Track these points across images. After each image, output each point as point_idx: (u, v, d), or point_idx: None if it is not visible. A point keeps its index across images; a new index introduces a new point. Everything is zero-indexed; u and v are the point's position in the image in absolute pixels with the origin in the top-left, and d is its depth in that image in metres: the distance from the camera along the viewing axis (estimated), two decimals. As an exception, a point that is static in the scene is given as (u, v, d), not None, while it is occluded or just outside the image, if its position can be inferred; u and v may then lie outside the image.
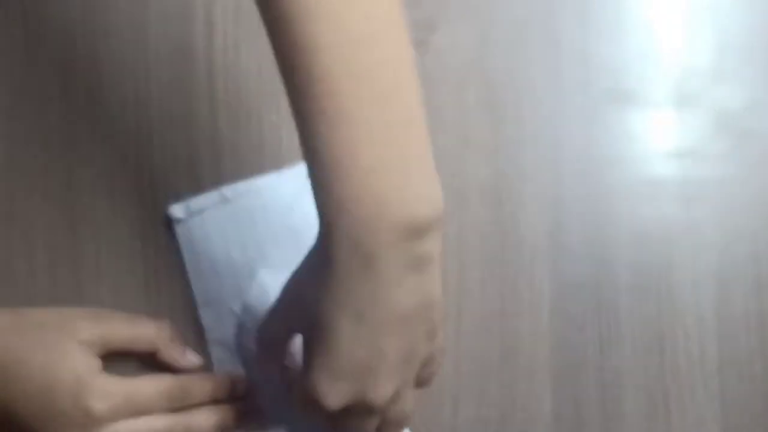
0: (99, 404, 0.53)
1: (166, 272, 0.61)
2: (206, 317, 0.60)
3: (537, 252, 0.62)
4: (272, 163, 0.61)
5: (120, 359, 0.57)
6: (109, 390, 0.54)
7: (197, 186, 0.61)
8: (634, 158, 0.64)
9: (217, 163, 0.61)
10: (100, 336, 0.56)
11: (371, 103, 0.43)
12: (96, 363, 0.55)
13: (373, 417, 0.50)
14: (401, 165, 0.44)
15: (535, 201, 0.63)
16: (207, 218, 0.61)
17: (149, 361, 0.58)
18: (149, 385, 0.56)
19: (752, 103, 0.64)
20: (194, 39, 0.62)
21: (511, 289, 0.62)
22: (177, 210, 0.60)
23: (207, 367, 0.60)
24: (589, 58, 0.64)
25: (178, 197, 0.61)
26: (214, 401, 0.58)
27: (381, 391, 0.48)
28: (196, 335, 0.60)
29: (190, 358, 0.59)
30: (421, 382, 0.52)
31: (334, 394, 0.48)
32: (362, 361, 0.46)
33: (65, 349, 0.54)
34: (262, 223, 0.61)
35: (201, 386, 0.58)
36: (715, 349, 0.62)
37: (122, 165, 0.61)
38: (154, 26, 0.62)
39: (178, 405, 0.57)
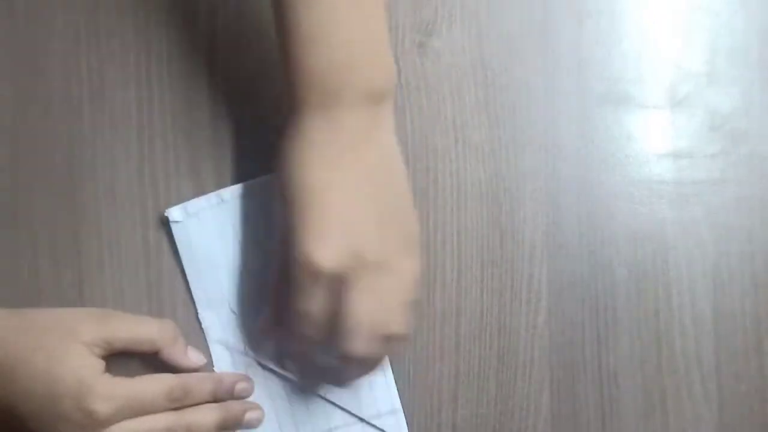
0: (102, 406, 0.53)
1: (167, 273, 0.61)
2: (206, 318, 0.60)
3: (535, 252, 0.63)
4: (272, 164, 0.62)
5: (122, 358, 0.57)
6: (111, 392, 0.54)
7: (198, 187, 0.61)
8: (630, 159, 0.64)
9: (218, 164, 0.62)
10: (102, 338, 0.55)
11: None
12: (98, 364, 0.55)
13: (383, 283, 0.52)
14: (364, 43, 0.52)
15: (532, 201, 0.63)
16: (204, 220, 0.61)
17: (152, 360, 0.58)
18: (151, 385, 0.56)
19: (745, 104, 0.65)
20: (196, 41, 0.62)
21: (509, 289, 0.62)
22: (174, 212, 0.60)
23: (208, 367, 0.60)
24: (585, 60, 0.64)
25: (179, 198, 0.61)
26: (216, 400, 0.58)
27: (372, 243, 0.51)
28: (197, 335, 0.60)
29: (193, 358, 0.59)
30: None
31: (327, 251, 0.51)
32: (343, 209, 0.52)
33: (68, 350, 0.54)
34: (259, 224, 0.61)
35: (202, 386, 0.58)
36: (711, 348, 0.63)
37: (124, 166, 0.61)
38: (157, 28, 0.62)
39: (180, 405, 0.57)
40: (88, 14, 0.62)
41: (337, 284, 0.52)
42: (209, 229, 0.61)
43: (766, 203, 0.64)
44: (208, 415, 0.57)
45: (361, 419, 0.60)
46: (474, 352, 0.62)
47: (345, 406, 0.60)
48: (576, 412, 0.62)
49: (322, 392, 0.60)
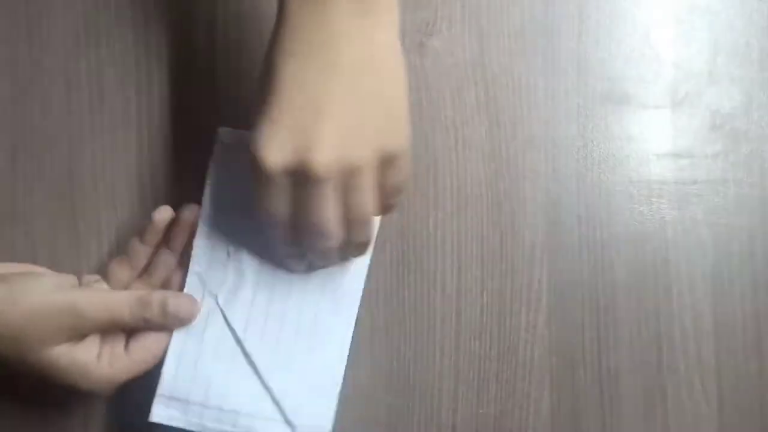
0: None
1: (166, 272, 0.61)
2: (199, 245, 0.58)
3: (535, 252, 0.63)
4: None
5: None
6: None
7: (198, 186, 0.61)
8: (630, 159, 0.64)
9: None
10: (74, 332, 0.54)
11: None
12: None
13: (318, 194, 0.48)
14: None
15: (533, 201, 0.63)
16: (244, 155, 0.54)
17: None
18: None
19: (746, 104, 0.65)
20: (196, 41, 0.62)
21: (509, 289, 0.62)
22: (225, 133, 0.58)
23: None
24: (586, 60, 0.64)
25: (179, 199, 0.61)
26: None
27: (321, 153, 0.47)
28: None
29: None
30: (388, 197, 0.51)
31: (274, 148, 0.47)
32: (302, 108, 0.47)
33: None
34: None
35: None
36: (711, 348, 0.63)
37: (124, 165, 0.62)
38: (157, 28, 0.62)
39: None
40: (88, 14, 0.62)
41: (293, 185, 0.49)
42: (245, 165, 0.55)
43: (767, 203, 0.64)
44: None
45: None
46: (474, 352, 0.62)
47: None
48: (576, 412, 0.62)
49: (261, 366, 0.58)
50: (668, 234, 0.64)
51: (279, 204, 0.50)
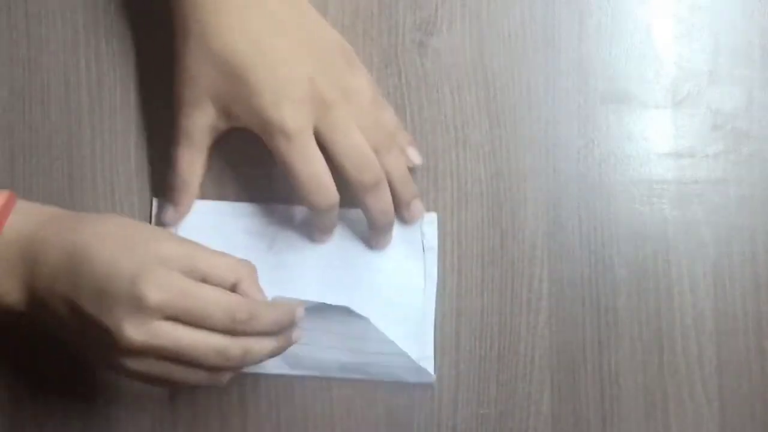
0: (152, 293, 0.50)
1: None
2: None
3: (535, 252, 0.63)
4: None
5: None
6: (168, 282, 0.51)
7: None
8: (631, 158, 0.64)
9: (217, 163, 0.61)
10: (185, 254, 0.53)
11: None
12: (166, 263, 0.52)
13: None
14: None
15: (533, 201, 0.63)
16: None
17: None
18: (213, 295, 0.52)
19: (747, 104, 0.65)
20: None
21: (509, 289, 0.62)
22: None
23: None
24: (587, 59, 0.64)
25: (178, 198, 0.61)
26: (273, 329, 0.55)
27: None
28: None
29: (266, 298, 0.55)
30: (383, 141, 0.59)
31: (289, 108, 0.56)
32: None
33: (138, 244, 0.52)
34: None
35: (267, 313, 0.53)
36: (713, 349, 0.62)
37: (124, 166, 0.62)
38: (157, 28, 0.62)
39: (238, 328, 0.52)
40: (87, 14, 0.62)
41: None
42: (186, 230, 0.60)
43: (768, 203, 0.64)
44: (266, 342, 0.54)
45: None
46: (474, 352, 0.62)
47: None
48: (577, 413, 0.62)
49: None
50: (669, 234, 0.63)
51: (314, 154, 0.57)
